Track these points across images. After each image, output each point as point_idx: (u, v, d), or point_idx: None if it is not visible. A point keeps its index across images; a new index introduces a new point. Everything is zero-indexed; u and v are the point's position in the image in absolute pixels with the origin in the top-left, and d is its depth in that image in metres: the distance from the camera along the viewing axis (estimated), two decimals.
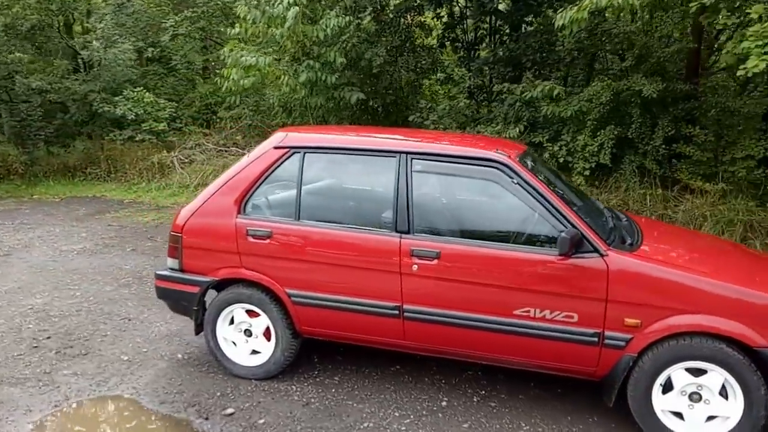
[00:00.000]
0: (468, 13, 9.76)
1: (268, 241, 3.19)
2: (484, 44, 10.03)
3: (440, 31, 10.05)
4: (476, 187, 3.09)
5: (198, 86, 14.92)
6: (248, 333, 3.40)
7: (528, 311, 2.83)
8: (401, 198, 3.02)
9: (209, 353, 3.56)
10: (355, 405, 3.14)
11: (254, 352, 3.41)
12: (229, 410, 3.08)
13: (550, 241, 2.79)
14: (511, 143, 3.67)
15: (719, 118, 7.09)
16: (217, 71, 15.71)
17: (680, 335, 2.65)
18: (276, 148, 3.28)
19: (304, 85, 7.92)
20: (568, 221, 2.78)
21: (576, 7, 5.32)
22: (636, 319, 2.69)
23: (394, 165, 3.08)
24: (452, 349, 3.07)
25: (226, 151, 11.10)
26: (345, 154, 3.26)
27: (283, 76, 7.87)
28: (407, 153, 3.08)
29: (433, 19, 10.12)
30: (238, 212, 3.26)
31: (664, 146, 7.14)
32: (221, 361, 3.45)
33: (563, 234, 2.65)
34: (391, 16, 8.94)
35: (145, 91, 11.74)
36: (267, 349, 3.35)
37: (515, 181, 2.90)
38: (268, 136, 3.45)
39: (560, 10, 5.93)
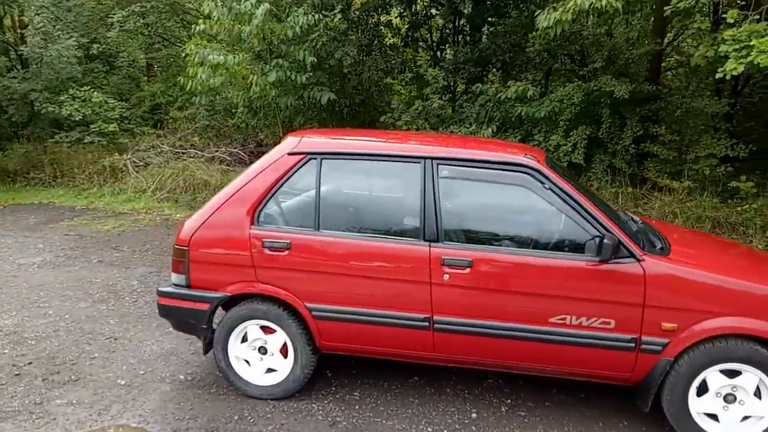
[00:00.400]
0: (433, 13, 9.76)
1: (286, 253, 3.01)
2: (447, 45, 10.07)
3: (405, 30, 10.01)
4: (505, 192, 3.03)
5: (142, 85, 14.26)
6: (263, 350, 3.21)
7: (564, 319, 2.80)
8: (429, 205, 2.92)
9: (216, 373, 3.35)
10: (384, 422, 3.01)
11: (269, 370, 3.22)
12: None
13: (584, 247, 2.75)
14: (529, 148, 3.63)
15: (682, 117, 7.36)
16: (163, 70, 15.17)
17: (716, 338, 2.67)
18: (290, 154, 3.10)
19: (275, 85, 7.67)
20: (603, 226, 2.76)
21: (560, 9, 5.36)
22: (673, 323, 2.70)
23: (419, 171, 2.98)
24: (484, 360, 3.00)
25: (184, 153, 10.63)
26: (366, 160, 3.12)
27: (251, 76, 7.59)
28: (433, 158, 2.98)
29: (397, 17, 10.06)
30: (252, 223, 3.07)
31: (633, 146, 7.35)
32: (233, 382, 3.24)
33: (606, 240, 2.63)
34: (357, 14, 8.81)
35: (93, 90, 11.08)
36: (284, 367, 3.17)
37: (547, 186, 2.85)
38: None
39: (538, 12, 5.99)
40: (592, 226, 2.78)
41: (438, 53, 9.91)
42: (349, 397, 3.26)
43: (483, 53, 8.38)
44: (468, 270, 2.84)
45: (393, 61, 8.65)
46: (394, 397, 3.26)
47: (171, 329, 4.11)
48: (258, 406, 3.16)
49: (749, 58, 4.81)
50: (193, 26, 8.09)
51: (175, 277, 3.21)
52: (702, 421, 2.77)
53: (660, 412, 2.85)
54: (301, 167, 3.08)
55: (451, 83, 8.93)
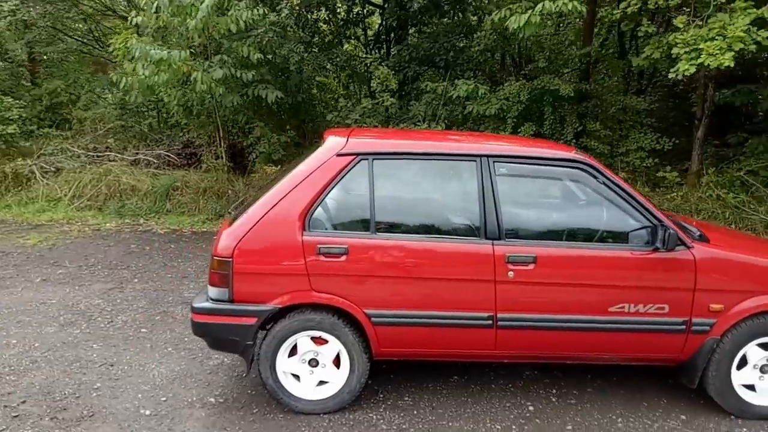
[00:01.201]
0: (372, 9, 9.75)
1: (343, 258, 2.87)
2: (384, 43, 10.10)
3: (336, 28, 9.89)
4: (561, 187, 3.11)
5: (39, 83, 12.87)
6: (313, 363, 3.03)
7: (622, 307, 2.93)
8: (488, 203, 2.92)
9: (249, 392, 3.15)
10: (451, 424, 2.98)
11: (321, 383, 3.06)
12: None
13: (641, 237, 2.90)
14: (563, 145, 3.73)
15: (614, 114, 7.96)
16: (56, 65, 13.76)
17: (756, 315, 2.93)
18: (340, 155, 2.96)
19: (221, 82, 7.26)
20: (656, 217, 2.93)
21: (529, 12, 5.57)
22: (720, 304, 2.92)
23: (475, 169, 2.97)
24: (544, 353, 3.06)
25: (100, 156, 9.74)
26: (418, 159, 3.05)
27: (195, 73, 7.12)
28: (489, 156, 2.98)
29: (328, 14, 9.91)
30: (303, 229, 2.89)
31: (573, 141, 7.82)
32: (282, 399, 3.04)
33: (670, 230, 2.78)
34: (297, 10, 8.57)
35: None
36: (339, 378, 3.03)
37: (600, 180, 2.97)
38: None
39: (495, 12, 6.18)
40: (645, 217, 2.93)
41: (374, 51, 9.90)
42: (402, 403, 3.18)
43: (427, 52, 8.49)
44: (532, 266, 2.88)
45: (338, 59, 8.51)
46: (446, 399, 3.23)
47: (171, 349, 3.82)
48: (313, 422, 2.99)
49: (699, 60, 5.30)
50: (127, 19, 7.42)
51: (214, 292, 2.94)
52: (742, 392, 3.03)
53: (692, 390, 3.08)
54: (351, 169, 2.95)
55: (398, 81, 8.97)
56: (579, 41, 8.42)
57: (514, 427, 2.96)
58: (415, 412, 3.09)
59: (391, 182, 3.03)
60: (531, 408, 3.15)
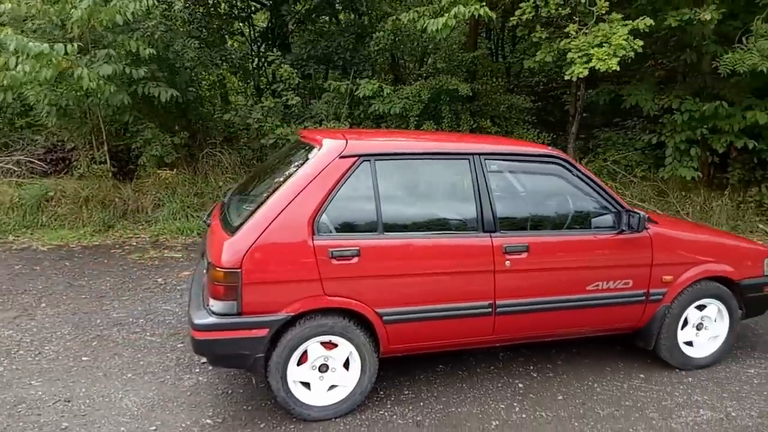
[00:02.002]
0: (254, 8, 9.48)
1: (355, 260, 2.88)
2: (269, 40, 9.90)
3: (218, 25, 9.49)
4: (543, 181, 3.39)
5: None
6: (323, 368, 3.00)
7: (597, 285, 3.31)
8: (484, 198, 3.11)
9: (245, 408, 3.05)
10: (459, 410, 3.13)
11: (331, 387, 3.03)
12: None
13: (611, 222, 3.29)
14: (538, 143, 4.03)
15: (502, 112, 8.67)
16: None
17: (695, 282, 3.48)
18: (342, 157, 2.95)
19: (110, 79, 6.62)
20: (620, 204, 3.34)
21: (446, 15, 5.88)
22: (670, 275, 3.43)
23: (468, 167, 3.14)
24: (534, 333, 3.35)
25: None
26: (416, 159, 3.15)
27: (78, 68, 6.41)
28: (480, 154, 3.17)
29: (210, 8, 9.47)
30: (313, 233, 2.84)
31: None
32: (292, 410, 2.96)
33: (642, 214, 3.20)
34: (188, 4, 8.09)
35: None
36: (350, 381, 3.03)
37: (574, 174, 3.31)
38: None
39: (405, 15, 6.43)
40: (611, 204, 3.33)
41: (262, 49, 9.66)
42: (405, 397, 3.26)
43: (325, 51, 8.51)
44: (525, 254, 3.13)
45: (233, 56, 8.18)
46: (443, 387, 3.37)
47: (130, 375, 3.52)
48: (329, 427, 2.96)
49: (591, 64, 6.02)
50: None
51: (219, 305, 2.77)
52: (684, 348, 3.58)
53: (638, 352, 3.58)
54: (355, 170, 2.96)
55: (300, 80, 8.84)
56: (463, 44, 9.00)
57: (514, 404, 3.20)
58: (421, 403, 3.19)
59: (393, 182, 3.09)
60: (521, 385, 3.41)
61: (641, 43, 6.04)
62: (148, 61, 7.05)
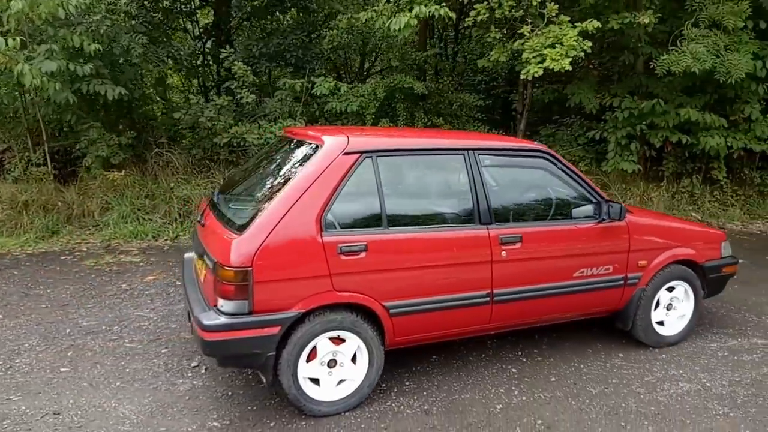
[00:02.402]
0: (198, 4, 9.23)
1: (363, 255, 2.92)
2: (215, 36, 9.66)
3: (165, 17, 9.18)
4: (530, 174, 3.54)
5: None
6: (332, 364, 3.02)
7: (582, 271, 3.51)
8: (479, 191, 3.23)
9: (250, 408, 3.03)
10: (463, 397, 3.24)
11: (339, 382, 3.06)
12: None
13: (593, 212, 3.50)
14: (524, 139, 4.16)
15: (454, 110, 8.90)
16: None
17: (666, 266, 3.77)
18: (345, 154, 2.98)
19: (53, 76, 6.26)
20: (600, 195, 3.56)
21: (408, 14, 5.99)
22: (645, 260, 3.68)
23: (462, 162, 3.25)
24: (526, 320, 3.51)
25: None
26: (415, 155, 3.22)
27: (19, 65, 6.03)
28: (474, 149, 3.29)
29: (155, 3, 9.14)
30: (321, 230, 2.86)
31: None
32: (303, 406, 2.96)
33: (622, 204, 3.42)
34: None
35: None
36: (358, 374, 3.06)
37: (558, 167, 3.49)
38: None
39: (364, 14, 6.50)
40: (592, 195, 3.54)
41: (204, 44, 9.41)
42: (407, 388, 3.33)
43: (277, 48, 8.41)
44: (519, 245, 3.28)
45: (182, 52, 7.93)
46: (442, 376, 3.46)
47: (119, 384, 3.41)
48: (341, 421, 2.98)
49: (545, 64, 6.31)
50: None
51: (230, 305, 2.73)
52: (657, 328, 3.85)
53: (612, 333, 3.84)
54: (358, 167, 2.99)
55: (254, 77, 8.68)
56: (413, 43, 9.16)
57: (513, 388, 3.34)
58: (425, 393, 3.27)
59: (395, 178, 3.14)
60: (514, 370, 3.56)
61: (590, 44, 6.39)
62: (93, 57, 6.73)
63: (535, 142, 3.56)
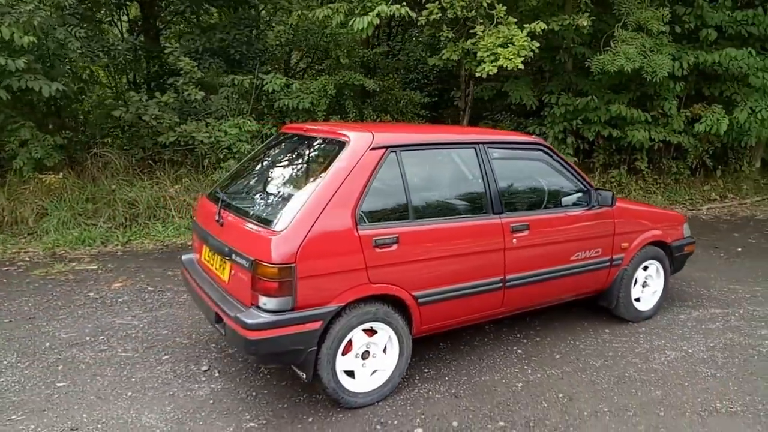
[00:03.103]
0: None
1: (395, 247, 3.00)
2: (142, 31, 9.22)
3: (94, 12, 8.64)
4: (531, 166, 3.75)
5: None
6: (365, 355, 3.08)
7: (578, 255, 3.79)
8: (491, 183, 3.41)
9: (280, 406, 3.04)
10: (484, 378, 3.40)
11: (372, 372, 3.12)
12: (419, 431, 2.87)
13: (585, 200, 3.79)
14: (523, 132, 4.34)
15: (402, 107, 9.09)
16: None
17: (643, 247, 4.14)
18: (374, 149, 3.04)
19: None
20: (589, 184, 3.86)
21: (370, 14, 6.08)
22: (627, 242, 4.03)
23: (474, 155, 3.41)
24: (531, 303, 3.73)
25: None
26: (433, 148, 3.33)
27: None
28: (483, 143, 3.46)
29: None
30: (356, 224, 2.91)
31: None
32: (342, 399, 2.99)
33: (613, 192, 3.72)
34: None
35: None
36: (389, 364, 3.14)
37: (554, 158, 3.75)
38: None
39: (320, 12, 6.53)
40: (583, 184, 3.83)
41: (136, 38, 8.96)
42: (427, 374, 3.45)
43: (221, 44, 8.19)
44: (527, 232, 3.49)
45: (119, 47, 7.51)
46: (456, 362, 3.61)
47: (131, 394, 3.28)
48: (378, 411, 3.04)
49: (499, 62, 6.63)
50: None
51: (273, 302, 2.72)
52: (636, 304, 4.23)
53: (591, 311, 4.17)
54: (384, 161, 3.06)
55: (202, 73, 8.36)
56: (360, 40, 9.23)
57: (525, 367, 3.56)
58: (446, 378, 3.41)
59: (417, 171, 3.22)
60: (519, 351, 3.78)
61: (538, 44, 6.79)
62: (27, 50, 6.24)
63: (533, 136, 3.79)
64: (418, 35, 10.20)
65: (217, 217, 3.17)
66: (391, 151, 3.09)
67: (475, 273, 3.33)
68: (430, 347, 3.78)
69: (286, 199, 3.03)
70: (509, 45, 6.59)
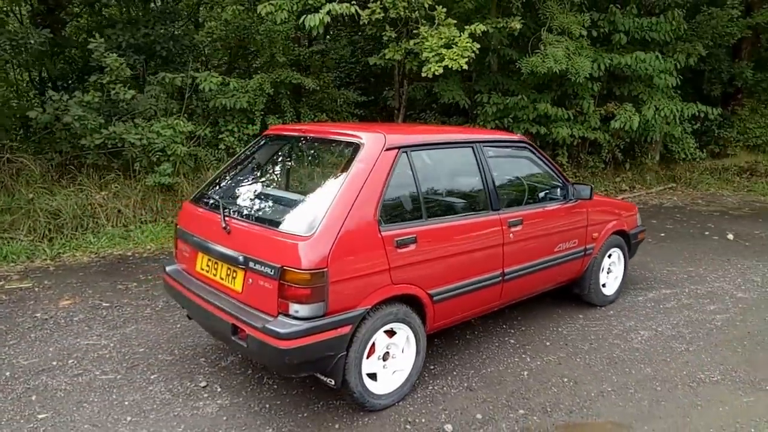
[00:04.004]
0: None
1: (413, 246, 3.01)
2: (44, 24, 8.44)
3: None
4: (518, 163, 3.89)
5: None
6: (386, 357, 3.07)
7: (560, 246, 4.01)
8: (488, 180, 3.52)
9: (301, 416, 2.97)
10: (490, 370, 3.50)
11: (392, 373, 3.12)
12: (449, 427, 2.92)
13: (565, 194, 4.02)
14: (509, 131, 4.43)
15: (339, 106, 9.05)
16: None
17: (609, 237, 4.46)
18: (387, 150, 3.03)
19: None
20: (565, 179, 4.09)
21: (322, 11, 6.01)
22: (597, 232, 4.32)
23: (472, 153, 3.51)
24: (522, 294, 3.88)
25: None
26: (438, 148, 3.37)
27: None
28: (479, 142, 3.56)
29: None
30: (378, 225, 2.89)
31: None
32: (367, 403, 2.96)
33: (591, 186, 3.97)
34: None
35: None
36: (407, 363, 3.15)
37: (537, 155, 3.94)
38: None
39: (263, 8, 6.37)
40: (561, 179, 4.06)
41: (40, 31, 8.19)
42: (436, 371, 3.48)
43: (146, 40, 7.70)
44: (520, 227, 3.64)
45: (32, 41, 6.84)
46: (458, 357, 3.68)
47: (129, 418, 3.06)
48: (401, 410, 3.04)
49: (444, 63, 6.80)
50: None
51: (306, 309, 2.63)
52: (603, 289, 4.54)
53: (560, 299, 4.45)
54: (398, 162, 3.06)
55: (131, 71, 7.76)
56: (291, 38, 9.06)
57: (524, 356, 3.71)
58: (455, 373, 3.47)
59: (425, 170, 3.24)
60: (512, 341, 3.93)
61: (478, 45, 7.04)
62: None
63: (518, 134, 3.94)
64: (347, 35, 10.18)
65: (223, 225, 3.00)
66: (403, 152, 3.10)
67: (480, 268, 3.42)
68: (428, 345, 3.81)
69: (306, 203, 2.94)
70: (453, 46, 6.78)
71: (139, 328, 4.17)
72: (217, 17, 7.64)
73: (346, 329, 2.75)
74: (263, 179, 3.44)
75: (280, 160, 3.51)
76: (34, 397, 3.21)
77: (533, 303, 4.55)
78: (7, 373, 3.49)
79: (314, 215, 2.75)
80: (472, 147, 3.51)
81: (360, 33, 9.99)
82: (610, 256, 4.57)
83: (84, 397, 3.21)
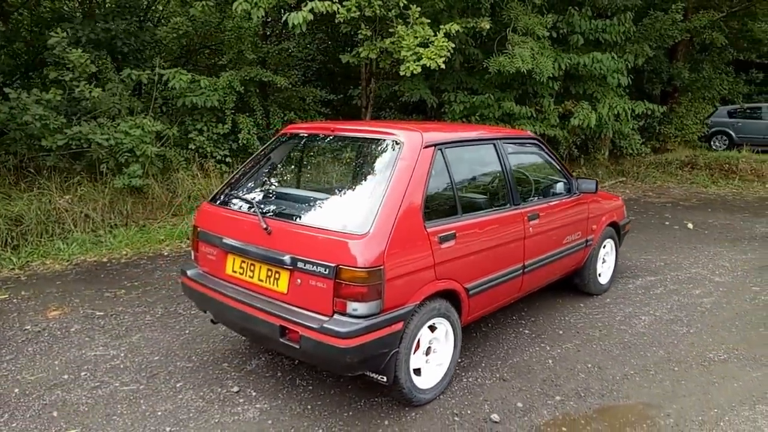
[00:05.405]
0: None
1: (453, 242, 3.07)
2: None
3: None
4: (530, 158, 4.01)
5: None
6: (428, 351, 3.11)
7: (568, 239, 4.17)
8: (510, 176, 3.62)
9: (346, 415, 2.98)
10: (516, 360, 3.60)
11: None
12: (495, 416, 2.99)
13: (570, 188, 4.19)
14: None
15: (307, 105, 8.96)
16: None
17: (605, 227, 4.68)
18: (426, 147, 3.07)
19: None
20: (570, 173, 4.26)
21: (304, 9, 5.95)
22: (595, 224, 4.53)
23: (494, 150, 3.60)
24: (536, 285, 4.01)
25: None
26: (467, 145, 3.43)
27: None
28: (499, 139, 3.66)
29: None
30: (424, 222, 2.93)
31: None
32: (414, 398, 2.98)
33: (596, 180, 4.15)
34: None
35: None
36: (446, 357, 3.20)
37: (545, 151, 4.08)
38: None
39: (238, 5, 6.26)
40: (566, 174, 4.22)
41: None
42: (464, 363, 3.54)
43: (106, 35, 7.35)
44: (537, 220, 3.77)
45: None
46: (479, 350, 3.75)
47: (166, 429, 2.94)
48: (445, 403, 3.09)
49: (422, 62, 6.89)
50: None
51: (365, 307, 2.62)
52: (599, 278, 4.76)
53: (557, 289, 4.65)
54: (435, 159, 3.10)
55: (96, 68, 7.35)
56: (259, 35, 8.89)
57: (543, 344, 3.83)
58: (483, 364, 3.55)
59: (457, 167, 3.28)
60: (527, 332, 4.06)
61: (453, 44, 7.17)
62: None
63: (527, 131, 4.07)
64: (314, 32, 10.07)
65: (263, 225, 2.94)
66: (439, 149, 3.14)
67: (507, 261, 3.51)
68: None
69: (353, 201, 2.93)
70: (429, 45, 6.87)
71: (145, 336, 4.00)
72: (183, 13, 7.37)
73: (399, 326, 2.76)
74: (294, 178, 3.39)
75: (307, 158, 3.47)
76: (55, 413, 3.03)
77: (534, 295, 4.70)
78: (16, 390, 3.27)
79: (366, 213, 2.74)
80: (494, 144, 3.60)
81: (330, 30, 9.91)
82: (604, 246, 4.79)
83: (111, 409, 3.06)
